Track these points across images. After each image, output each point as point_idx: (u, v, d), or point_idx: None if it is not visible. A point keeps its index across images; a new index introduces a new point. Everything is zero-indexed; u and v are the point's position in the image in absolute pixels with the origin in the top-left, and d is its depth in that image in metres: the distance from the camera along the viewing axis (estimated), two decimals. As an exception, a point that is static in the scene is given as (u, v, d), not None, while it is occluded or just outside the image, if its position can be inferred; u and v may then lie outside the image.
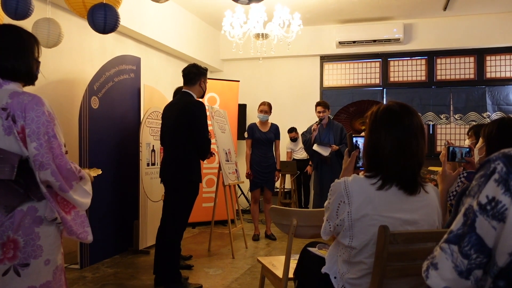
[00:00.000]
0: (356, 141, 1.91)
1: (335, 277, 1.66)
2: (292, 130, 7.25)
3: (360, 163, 1.87)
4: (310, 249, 2.00)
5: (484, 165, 0.88)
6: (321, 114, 5.33)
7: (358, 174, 1.64)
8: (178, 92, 4.05)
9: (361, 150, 1.88)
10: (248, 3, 2.84)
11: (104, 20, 3.20)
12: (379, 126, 1.57)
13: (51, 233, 1.66)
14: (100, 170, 2.03)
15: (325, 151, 5.21)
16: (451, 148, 2.19)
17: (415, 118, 1.58)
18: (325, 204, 1.66)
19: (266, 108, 5.32)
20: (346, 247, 1.58)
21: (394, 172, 1.54)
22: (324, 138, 5.27)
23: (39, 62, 1.76)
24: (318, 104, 5.43)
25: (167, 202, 3.57)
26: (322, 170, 5.30)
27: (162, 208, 3.65)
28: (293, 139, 7.30)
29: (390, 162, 1.54)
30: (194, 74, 3.54)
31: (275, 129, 5.47)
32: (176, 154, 3.48)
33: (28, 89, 1.72)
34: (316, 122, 5.40)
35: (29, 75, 1.71)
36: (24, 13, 3.21)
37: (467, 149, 2.23)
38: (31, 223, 1.61)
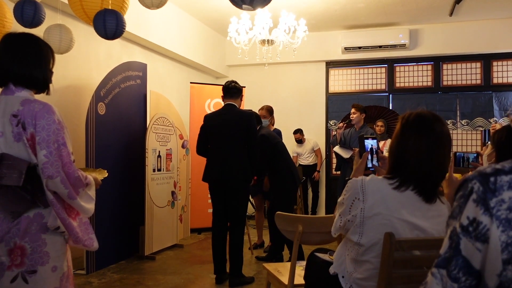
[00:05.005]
0: (372, 144, 1.91)
1: (343, 276, 1.67)
2: (297, 131, 7.25)
3: (370, 165, 1.88)
4: (317, 254, 2.00)
5: (462, 185, 0.86)
6: (351, 116, 5.43)
7: (368, 175, 1.65)
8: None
9: (374, 151, 1.89)
10: (253, 9, 2.87)
11: (103, 25, 3.21)
12: (409, 130, 1.59)
13: (58, 239, 1.67)
14: (106, 171, 2.04)
15: (346, 154, 5.28)
16: (457, 154, 2.19)
17: (445, 127, 1.60)
18: (338, 200, 1.68)
19: (264, 112, 5.16)
20: (355, 244, 1.60)
21: (417, 177, 1.55)
22: (354, 142, 5.29)
23: (52, 72, 1.79)
24: (352, 106, 5.53)
25: (230, 203, 3.84)
26: (347, 172, 5.31)
27: (218, 209, 3.87)
28: (298, 141, 7.30)
29: (415, 167, 1.55)
30: (237, 90, 4.00)
31: (277, 134, 5.43)
32: (237, 156, 3.79)
33: (40, 96, 1.75)
34: (345, 121, 5.59)
35: (44, 83, 1.74)
36: (39, 21, 3.26)
37: (475, 155, 2.23)
38: (37, 230, 1.61)
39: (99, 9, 3.26)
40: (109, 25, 3.21)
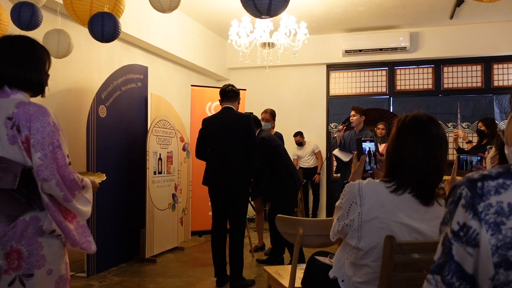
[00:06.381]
0: (370, 147, 1.92)
1: (342, 280, 1.67)
2: (297, 134, 7.26)
3: (369, 167, 1.89)
4: (318, 257, 2.00)
5: (452, 192, 0.88)
6: (350, 118, 5.42)
7: (366, 178, 1.66)
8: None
9: (372, 154, 1.90)
10: (269, 17, 2.87)
11: (102, 28, 3.22)
12: (406, 133, 1.59)
13: (54, 242, 1.66)
14: (104, 175, 2.03)
15: (345, 157, 5.28)
16: (461, 157, 2.20)
17: (441, 129, 1.60)
18: (336, 204, 1.68)
19: (267, 116, 5.19)
20: (353, 248, 1.60)
21: (414, 180, 1.55)
22: (353, 145, 5.28)
23: (48, 75, 1.78)
24: (351, 108, 5.52)
25: (230, 206, 3.84)
26: (346, 175, 5.30)
27: (218, 212, 3.87)
28: (298, 143, 7.31)
29: (412, 170, 1.55)
30: (235, 93, 3.97)
31: (278, 138, 5.42)
32: (236, 159, 3.79)
33: (37, 99, 1.74)
34: (345, 124, 5.63)
35: (39, 86, 1.73)
36: (36, 24, 3.27)
37: (478, 158, 2.25)
38: (34, 233, 1.60)
39: (88, 11, 3.27)
40: (95, 28, 3.23)
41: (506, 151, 0.96)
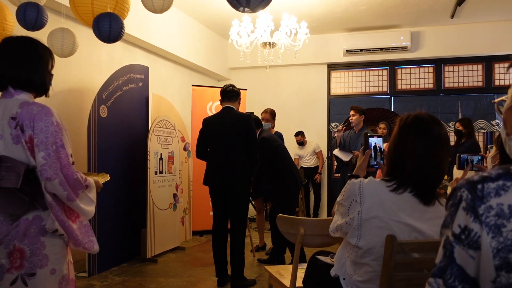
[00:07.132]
0: (376, 142, 1.92)
1: (344, 278, 1.68)
2: (298, 133, 7.27)
3: (374, 162, 1.89)
4: (319, 257, 2.00)
5: (452, 194, 0.88)
6: (350, 118, 5.42)
7: (371, 172, 1.66)
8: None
9: (378, 149, 1.90)
10: (252, 12, 2.81)
11: (109, 28, 3.22)
12: (407, 132, 1.59)
13: (57, 242, 1.66)
14: (108, 175, 2.04)
15: (345, 157, 5.27)
16: (462, 156, 2.20)
17: (443, 128, 1.60)
18: (337, 200, 1.68)
19: (267, 116, 5.20)
20: (354, 247, 1.60)
21: (415, 179, 1.55)
22: (353, 144, 5.28)
23: (52, 75, 1.79)
24: (350, 108, 5.52)
25: (231, 206, 3.84)
26: (346, 175, 5.30)
27: (219, 212, 3.87)
28: (300, 143, 7.32)
29: (413, 169, 1.55)
30: (235, 93, 3.98)
31: (279, 137, 5.42)
32: (236, 159, 3.79)
33: (41, 99, 1.75)
34: (345, 124, 5.68)
35: (42, 86, 1.74)
36: (41, 24, 3.28)
37: (479, 157, 2.24)
38: (36, 232, 1.61)
39: (91, 12, 3.27)
40: (94, 29, 3.21)
41: (503, 136, 0.96)
